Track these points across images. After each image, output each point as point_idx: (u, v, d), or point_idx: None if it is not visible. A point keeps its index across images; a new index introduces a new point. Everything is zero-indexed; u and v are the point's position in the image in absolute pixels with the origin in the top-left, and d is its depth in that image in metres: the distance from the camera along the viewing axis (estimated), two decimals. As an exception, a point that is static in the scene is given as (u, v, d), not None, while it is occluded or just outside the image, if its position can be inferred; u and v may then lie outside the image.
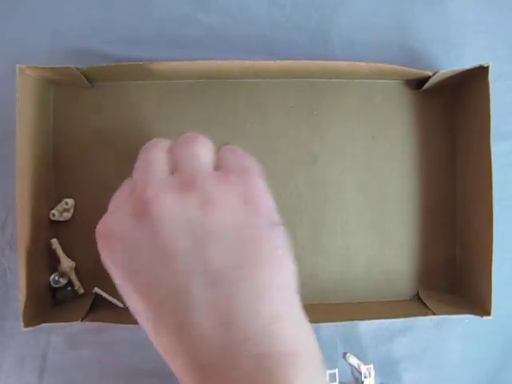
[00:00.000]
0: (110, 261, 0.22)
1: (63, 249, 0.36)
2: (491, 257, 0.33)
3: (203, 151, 0.23)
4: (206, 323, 0.19)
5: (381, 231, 0.38)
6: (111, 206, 0.24)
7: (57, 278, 0.36)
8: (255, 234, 0.20)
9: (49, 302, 0.36)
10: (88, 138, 0.37)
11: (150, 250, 0.20)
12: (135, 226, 0.21)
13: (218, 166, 0.23)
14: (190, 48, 0.38)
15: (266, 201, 0.22)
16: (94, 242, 0.36)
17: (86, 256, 0.37)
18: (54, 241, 0.36)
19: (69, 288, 0.36)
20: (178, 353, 0.19)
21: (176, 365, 0.20)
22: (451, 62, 0.38)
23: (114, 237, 0.21)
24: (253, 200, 0.21)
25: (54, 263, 0.36)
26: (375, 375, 0.38)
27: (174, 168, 0.22)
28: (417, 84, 0.38)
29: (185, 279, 0.19)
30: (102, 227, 0.22)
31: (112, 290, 0.37)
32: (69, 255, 0.36)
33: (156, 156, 0.23)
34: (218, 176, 0.22)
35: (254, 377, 0.18)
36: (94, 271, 0.37)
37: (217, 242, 0.20)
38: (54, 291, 0.36)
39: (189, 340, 0.19)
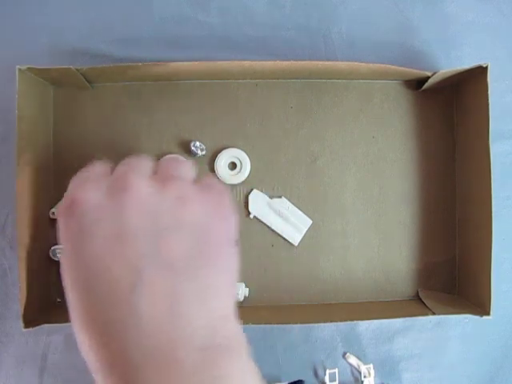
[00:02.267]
0: (71, 229, 0.21)
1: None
2: (490, 257, 0.33)
3: (188, 168, 0.25)
4: (155, 307, 0.19)
5: (381, 231, 0.38)
6: (79, 179, 0.24)
7: (58, 250, 0.36)
8: (219, 241, 0.22)
9: (49, 303, 0.36)
10: (88, 138, 0.37)
11: (113, 226, 0.20)
12: (107, 200, 0.21)
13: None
14: (190, 48, 0.38)
15: (231, 221, 0.24)
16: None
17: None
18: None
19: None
20: (117, 336, 0.19)
21: (111, 360, 0.19)
22: (451, 62, 0.38)
23: (83, 204, 0.21)
24: (223, 215, 0.23)
25: (54, 263, 0.36)
26: (375, 375, 0.38)
27: (159, 171, 0.24)
28: (416, 84, 0.38)
29: (139, 259, 0.19)
30: (73, 193, 0.22)
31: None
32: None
33: (143, 159, 0.25)
34: (197, 186, 0.23)
35: (198, 371, 0.18)
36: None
37: (182, 233, 0.21)
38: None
39: (132, 324, 0.19)
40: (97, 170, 0.24)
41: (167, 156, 0.26)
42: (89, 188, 0.22)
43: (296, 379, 0.37)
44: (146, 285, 0.19)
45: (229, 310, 0.21)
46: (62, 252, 0.22)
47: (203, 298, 0.20)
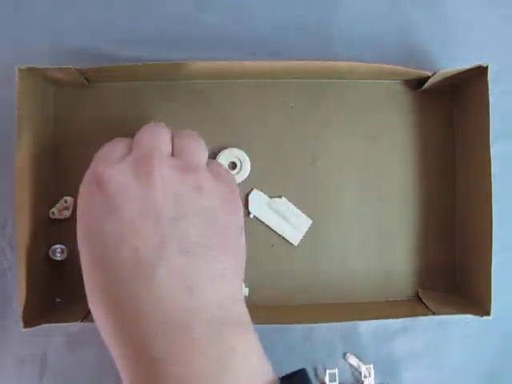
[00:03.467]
0: (96, 206, 0.22)
1: (63, 245, 0.36)
2: (491, 257, 0.33)
3: (202, 149, 0.27)
4: (170, 283, 0.20)
5: (381, 231, 0.38)
6: (103, 155, 0.25)
7: (58, 250, 0.36)
8: (229, 230, 0.24)
9: (49, 303, 0.36)
10: (87, 138, 0.37)
11: (139, 205, 0.22)
12: (134, 180, 0.22)
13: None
14: (190, 48, 0.38)
15: (240, 211, 0.26)
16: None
17: (85, 256, 0.37)
18: None
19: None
20: (134, 308, 0.20)
21: (127, 331, 0.20)
22: (451, 62, 0.38)
23: (111, 183, 0.22)
24: (232, 206, 0.25)
25: (54, 263, 0.36)
26: (375, 375, 0.38)
27: (177, 152, 0.25)
28: (416, 84, 0.38)
29: (162, 238, 0.21)
30: (100, 171, 0.23)
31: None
32: (68, 253, 0.36)
33: (162, 133, 0.26)
34: (211, 176, 0.25)
35: (206, 340, 0.20)
36: (93, 271, 0.37)
37: (198, 220, 0.23)
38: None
39: (150, 297, 0.20)
40: (119, 146, 0.26)
41: (183, 132, 0.27)
42: (115, 165, 0.23)
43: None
44: (167, 264, 0.21)
45: (237, 292, 0.24)
46: (81, 224, 0.23)
47: (216, 280, 0.22)
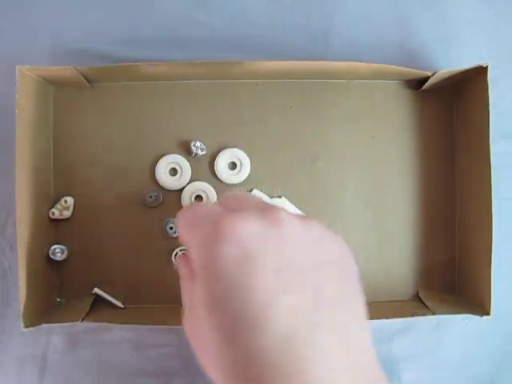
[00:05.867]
0: (234, 256, 0.19)
1: (64, 245, 0.36)
2: (491, 257, 0.33)
3: None
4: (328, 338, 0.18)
5: (381, 231, 0.38)
6: (227, 209, 0.22)
7: (58, 250, 0.36)
8: (354, 279, 0.22)
9: (49, 303, 0.36)
10: (87, 138, 0.37)
11: (279, 257, 0.19)
12: (271, 229, 0.20)
13: None
14: (189, 48, 0.38)
15: (352, 258, 0.23)
16: (93, 241, 0.36)
17: (85, 254, 0.37)
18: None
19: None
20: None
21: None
22: (450, 62, 0.38)
23: (250, 230, 0.20)
24: (350, 255, 0.23)
25: (54, 263, 0.36)
26: (375, 375, 0.38)
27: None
28: (416, 84, 0.38)
29: (314, 293, 0.19)
30: (232, 220, 0.20)
31: (112, 290, 0.37)
32: (68, 253, 0.36)
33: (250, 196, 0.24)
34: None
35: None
36: (93, 270, 0.37)
37: (330, 271, 0.20)
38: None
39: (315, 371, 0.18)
40: (249, 199, 0.23)
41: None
42: (245, 215, 0.20)
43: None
44: (323, 323, 0.19)
45: (370, 354, 0.20)
46: (210, 280, 0.20)
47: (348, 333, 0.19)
